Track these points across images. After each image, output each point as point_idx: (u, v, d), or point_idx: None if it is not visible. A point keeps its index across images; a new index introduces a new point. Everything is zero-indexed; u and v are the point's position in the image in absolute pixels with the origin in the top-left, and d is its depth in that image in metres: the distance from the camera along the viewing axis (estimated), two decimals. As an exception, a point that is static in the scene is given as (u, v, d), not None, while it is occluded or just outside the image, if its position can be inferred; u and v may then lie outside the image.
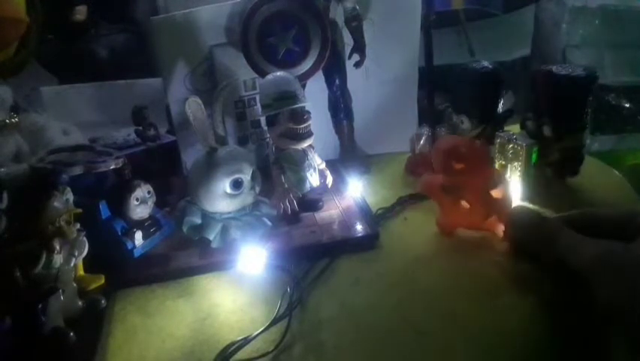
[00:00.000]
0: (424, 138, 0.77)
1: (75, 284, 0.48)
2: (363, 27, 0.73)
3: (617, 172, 0.73)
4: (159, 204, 0.62)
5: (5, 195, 0.44)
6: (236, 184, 0.57)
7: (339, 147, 0.80)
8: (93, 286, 0.51)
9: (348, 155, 0.80)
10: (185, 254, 0.58)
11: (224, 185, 0.57)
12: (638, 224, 0.41)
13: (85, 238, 0.48)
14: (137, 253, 0.57)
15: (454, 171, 0.55)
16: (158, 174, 0.67)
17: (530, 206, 0.51)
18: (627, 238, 0.40)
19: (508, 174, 0.66)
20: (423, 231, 0.60)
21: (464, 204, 0.55)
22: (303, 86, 0.70)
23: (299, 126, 0.62)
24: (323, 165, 0.68)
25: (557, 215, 0.49)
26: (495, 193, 0.54)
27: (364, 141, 0.83)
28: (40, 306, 0.43)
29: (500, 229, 0.54)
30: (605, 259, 0.38)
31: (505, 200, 0.54)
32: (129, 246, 0.56)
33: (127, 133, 0.70)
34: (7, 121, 0.57)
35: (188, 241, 0.59)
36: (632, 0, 1.02)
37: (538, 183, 0.65)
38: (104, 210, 0.56)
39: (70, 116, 0.74)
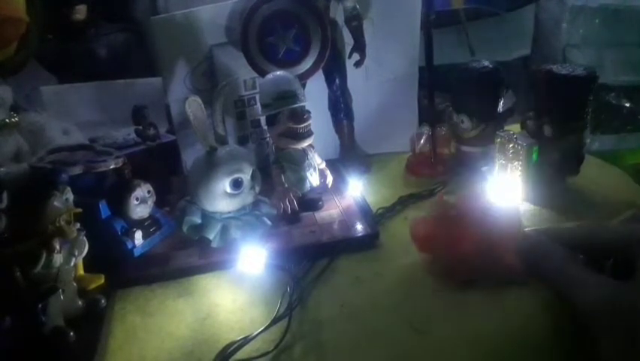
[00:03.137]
0: (424, 137, 0.77)
1: (75, 284, 0.48)
2: (364, 26, 0.73)
3: (618, 169, 0.73)
4: (159, 203, 0.62)
5: (5, 195, 0.44)
6: (236, 184, 0.57)
7: (339, 147, 0.80)
8: (93, 285, 0.51)
9: (349, 154, 0.79)
10: (185, 254, 0.58)
11: (224, 184, 0.57)
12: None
13: (85, 238, 0.48)
14: (137, 253, 0.57)
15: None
16: (158, 173, 0.67)
17: (535, 231, 0.45)
18: (629, 256, 0.38)
19: (508, 174, 0.66)
20: (423, 230, 0.60)
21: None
22: (303, 86, 0.70)
23: (299, 126, 0.62)
24: (323, 165, 0.68)
25: (557, 230, 0.45)
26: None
27: (364, 141, 0.83)
28: (40, 306, 0.43)
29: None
30: (607, 307, 0.35)
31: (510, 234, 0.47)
32: (129, 245, 0.56)
33: (127, 133, 0.70)
34: (7, 121, 0.57)
35: (188, 241, 0.59)
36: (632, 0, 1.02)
37: (539, 182, 0.65)
38: (103, 209, 0.56)
39: (70, 116, 0.74)
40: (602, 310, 0.35)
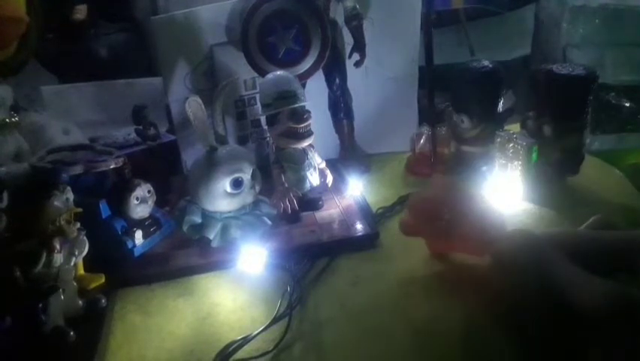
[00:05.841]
0: (424, 137, 0.77)
1: (75, 283, 0.48)
2: (364, 26, 0.73)
3: (617, 171, 0.73)
4: (159, 203, 0.62)
5: (5, 195, 0.44)
6: (237, 183, 0.57)
7: (339, 147, 0.80)
8: (93, 285, 0.51)
9: (349, 154, 0.80)
10: (185, 253, 0.58)
11: (225, 184, 0.57)
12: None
13: (85, 237, 0.49)
14: (137, 252, 0.57)
15: (438, 227, 0.49)
16: (158, 173, 0.67)
17: (523, 233, 0.43)
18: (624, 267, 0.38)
19: (508, 174, 0.66)
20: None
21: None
22: (303, 86, 0.70)
23: (299, 125, 0.62)
24: (323, 165, 0.68)
25: (548, 235, 0.43)
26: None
27: (364, 140, 0.83)
28: (40, 305, 0.43)
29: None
30: (623, 303, 0.34)
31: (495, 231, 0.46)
32: (129, 245, 0.56)
33: (127, 132, 0.70)
34: (8, 120, 0.57)
35: (188, 241, 0.59)
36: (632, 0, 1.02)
37: (539, 182, 0.65)
38: (104, 209, 0.56)
39: (70, 116, 0.74)
40: (608, 310, 0.34)
